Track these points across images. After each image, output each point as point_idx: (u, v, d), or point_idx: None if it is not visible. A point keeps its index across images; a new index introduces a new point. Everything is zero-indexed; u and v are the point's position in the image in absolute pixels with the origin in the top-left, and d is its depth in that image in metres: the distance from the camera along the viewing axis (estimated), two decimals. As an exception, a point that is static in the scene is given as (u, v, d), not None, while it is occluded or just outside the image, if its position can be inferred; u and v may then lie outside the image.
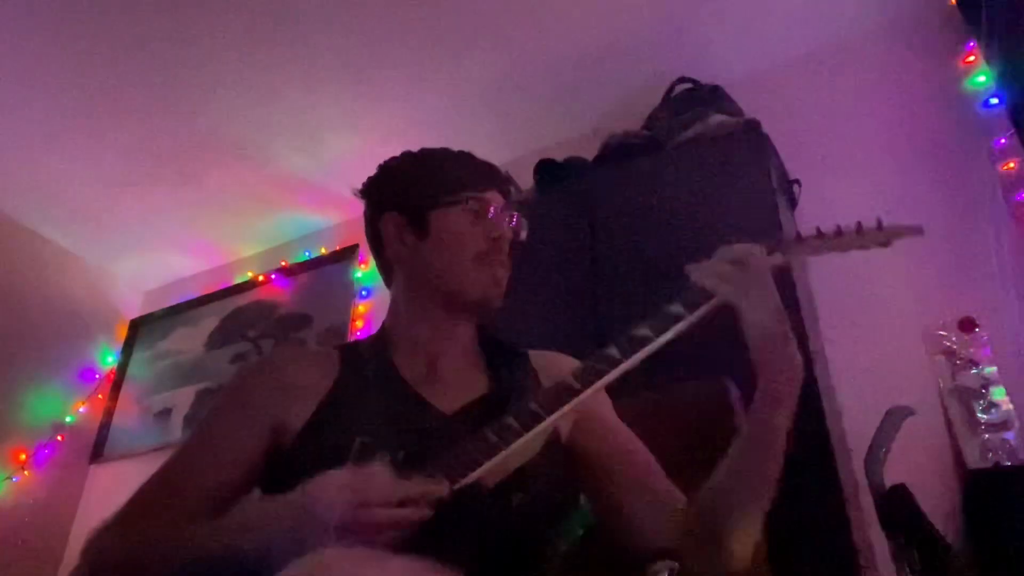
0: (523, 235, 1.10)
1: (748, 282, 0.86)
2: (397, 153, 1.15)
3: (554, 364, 1.06)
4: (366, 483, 0.71)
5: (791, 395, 0.84)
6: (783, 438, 0.85)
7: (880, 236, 0.94)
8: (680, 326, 0.86)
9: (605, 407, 1.04)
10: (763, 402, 0.85)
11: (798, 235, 0.95)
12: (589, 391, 0.81)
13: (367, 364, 1.01)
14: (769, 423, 0.84)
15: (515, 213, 1.08)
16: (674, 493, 0.93)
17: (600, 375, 0.82)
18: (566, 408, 0.80)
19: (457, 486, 0.73)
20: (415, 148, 1.14)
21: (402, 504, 0.70)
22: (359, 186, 1.14)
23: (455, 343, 1.05)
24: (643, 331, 0.85)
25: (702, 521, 0.86)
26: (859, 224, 0.94)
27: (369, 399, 0.95)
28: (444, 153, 1.11)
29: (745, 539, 0.85)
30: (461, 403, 0.97)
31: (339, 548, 0.63)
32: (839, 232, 0.94)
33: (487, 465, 0.74)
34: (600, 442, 0.99)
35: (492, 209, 1.04)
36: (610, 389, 0.85)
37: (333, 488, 0.71)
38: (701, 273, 0.89)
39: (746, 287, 0.86)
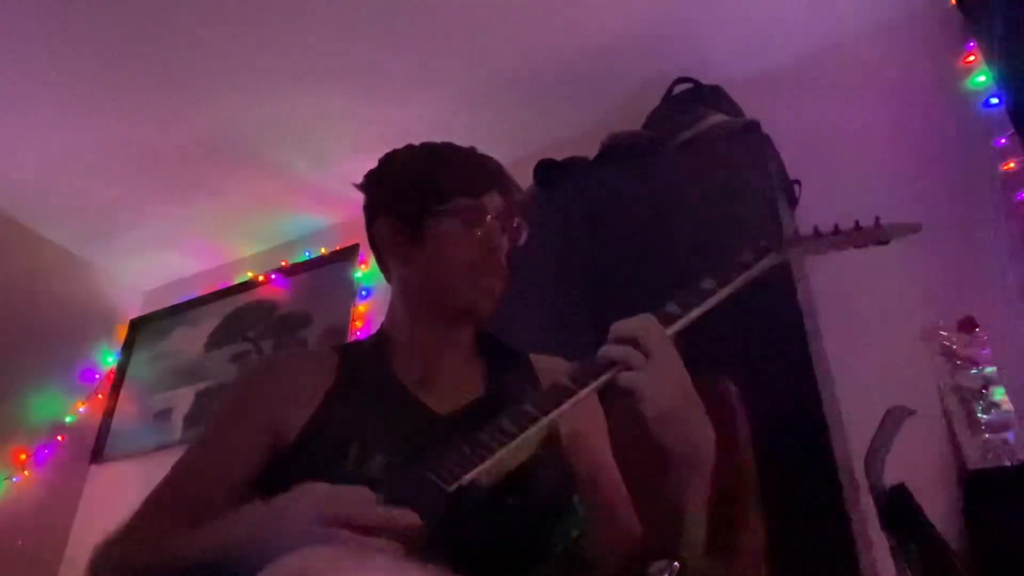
0: (523, 239, 1.08)
1: (643, 362, 0.80)
2: (396, 153, 1.14)
3: (554, 368, 1.06)
4: (343, 502, 0.69)
5: (704, 471, 0.81)
6: (698, 505, 0.82)
7: (878, 234, 0.94)
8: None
9: (595, 428, 1.03)
10: (670, 481, 0.82)
11: (796, 234, 0.95)
12: (584, 391, 0.81)
13: (365, 367, 1.01)
14: (680, 500, 0.81)
15: (515, 217, 1.07)
16: (631, 531, 0.92)
17: (596, 376, 0.81)
18: (561, 409, 0.79)
19: (452, 488, 0.72)
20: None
21: (373, 531, 0.68)
22: (360, 181, 1.14)
23: (453, 346, 1.05)
24: None
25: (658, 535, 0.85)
26: (857, 223, 0.94)
27: (367, 402, 0.95)
28: (445, 151, 1.09)
29: (696, 535, 0.83)
30: (458, 406, 0.97)
31: (324, 547, 0.62)
32: (837, 231, 0.94)
33: (481, 467, 0.74)
34: (577, 466, 0.98)
35: (488, 217, 1.02)
36: (607, 391, 0.84)
37: (309, 501, 0.70)
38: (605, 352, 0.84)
39: (642, 367, 0.80)
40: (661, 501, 0.83)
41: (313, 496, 0.71)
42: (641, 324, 0.83)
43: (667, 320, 0.85)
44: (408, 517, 0.69)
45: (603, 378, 0.81)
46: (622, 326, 0.83)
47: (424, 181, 1.05)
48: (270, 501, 0.75)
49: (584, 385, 0.81)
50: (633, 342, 0.81)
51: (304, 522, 0.68)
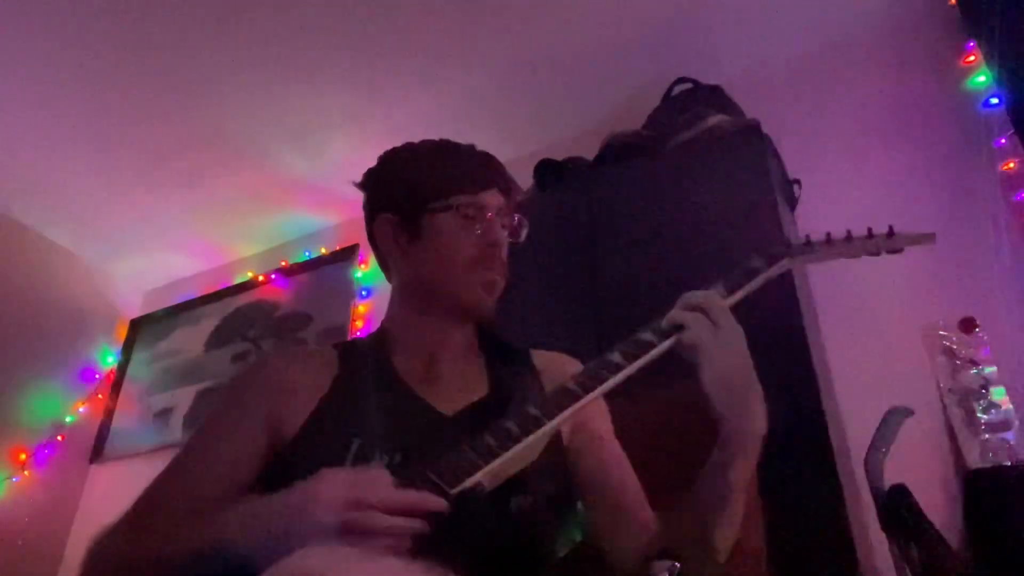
0: (522, 236, 1.08)
1: (711, 331, 0.83)
2: (396, 153, 1.14)
3: (556, 365, 1.06)
4: (367, 485, 0.70)
5: (752, 449, 0.82)
6: (741, 487, 0.83)
7: (891, 243, 0.93)
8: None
9: (600, 418, 1.02)
10: (721, 455, 0.83)
11: (807, 240, 0.94)
12: (590, 396, 0.80)
13: (366, 364, 1.00)
14: (725, 477, 0.82)
15: (515, 214, 1.07)
16: (647, 520, 0.92)
17: (602, 380, 0.81)
18: (566, 413, 0.79)
19: (455, 490, 0.72)
20: (415, 147, 1.13)
21: (400, 512, 0.69)
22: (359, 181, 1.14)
23: (454, 343, 1.05)
24: (646, 336, 0.85)
25: (683, 535, 0.85)
26: (869, 230, 0.93)
27: (368, 399, 0.95)
28: (445, 148, 1.09)
29: (727, 538, 0.84)
30: (462, 404, 0.96)
31: (328, 547, 0.62)
32: (849, 238, 0.93)
33: (485, 470, 0.74)
34: (586, 457, 0.98)
35: (488, 213, 1.02)
36: (612, 391, 0.84)
37: (334, 487, 0.70)
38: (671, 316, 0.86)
39: (708, 336, 0.83)
40: (705, 482, 0.84)
41: (336, 483, 0.71)
42: (709, 296, 0.86)
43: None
44: (432, 500, 0.70)
45: (658, 348, 0.83)
46: (691, 295, 0.86)
47: (423, 178, 1.05)
48: (285, 492, 0.74)
49: (590, 390, 0.81)
50: (701, 310, 0.84)
51: (330, 509, 0.68)
